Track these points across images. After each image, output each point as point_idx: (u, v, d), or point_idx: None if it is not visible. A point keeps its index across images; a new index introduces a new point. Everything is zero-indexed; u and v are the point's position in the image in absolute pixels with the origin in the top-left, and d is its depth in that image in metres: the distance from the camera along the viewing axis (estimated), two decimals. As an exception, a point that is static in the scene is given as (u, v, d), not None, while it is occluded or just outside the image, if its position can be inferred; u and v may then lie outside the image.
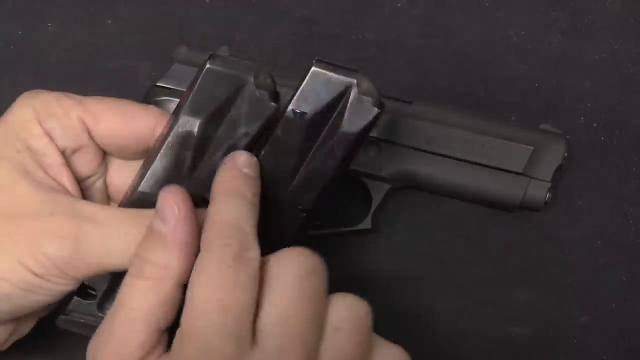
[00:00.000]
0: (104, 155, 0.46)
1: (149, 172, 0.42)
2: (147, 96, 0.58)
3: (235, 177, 0.40)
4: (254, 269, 0.37)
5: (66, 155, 0.44)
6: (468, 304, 0.59)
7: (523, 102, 0.63)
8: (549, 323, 0.58)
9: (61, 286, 0.41)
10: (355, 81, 0.41)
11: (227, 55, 0.42)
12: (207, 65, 0.40)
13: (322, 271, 0.40)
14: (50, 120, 0.43)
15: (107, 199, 0.48)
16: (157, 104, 0.58)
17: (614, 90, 0.63)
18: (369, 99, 0.41)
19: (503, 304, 0.59)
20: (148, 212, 0.40)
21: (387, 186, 0.58)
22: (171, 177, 0.41)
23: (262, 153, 0.42)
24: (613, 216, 0.60)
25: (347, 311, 0.39)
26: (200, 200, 0.41)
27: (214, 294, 0.36)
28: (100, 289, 0.44)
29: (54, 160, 0.43)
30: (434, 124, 0.58)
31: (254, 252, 0.38)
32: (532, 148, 0.57)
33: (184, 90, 0.58)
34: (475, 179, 0.57)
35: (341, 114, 0.41)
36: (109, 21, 0.65)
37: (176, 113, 0.42)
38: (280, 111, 0.42)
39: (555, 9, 0.65)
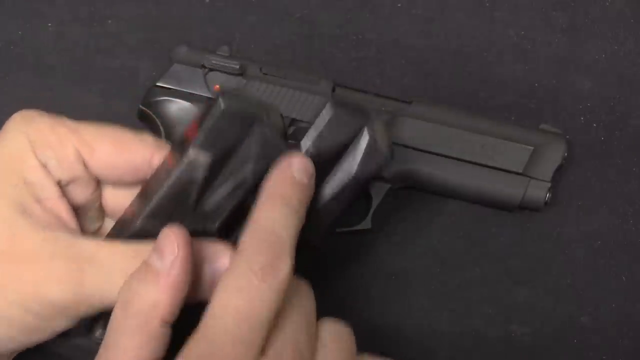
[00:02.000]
0: (99, 181, 0.46)
1: (153, 203, 0.41)
2: (147, 96, 0.58)
3: (285, 181, 0.40)
4: (282, 282, 0.37)
5: (61, 186, 0.43)
6: (468, 304, 0.59)
7: (523, 102, 0.63)
8: (549, 323, 0.58)
9: (63, 324, 0.41)
10: (368, 125, 0.41)
11: (237, 92, 0.41)
12: (221, 106, 0.40)
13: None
14: (46, 150, 0.42)
15: (103, 217, 0.47)
16: (157, 104, 0.58)
17: (614, 90, 0.63)
18: (381, 143, 0.41)
19: (503, 304, 0.59)
20: (148, 248, 0.39)
21: (387, 186, 0.58)
22: (175, 209, 0.41)
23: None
24: (613, 216, 0.60)
25: (334, 332, 0.41)
26: (201, 232, 0.41)
27: (233, 300, 0.36)
28: None
29: (51, 192, 0.42)
30: (433, 124, 0.58)
31: (286, 265, 0.37)
32: (532, 148, 0.57)
33: (184, 90, 0.58)
34: (475, 179, 0.57)
35: (352, 156, 0.41)
36: (109, 21, 0.65)
37: (179, 145, 0.41)
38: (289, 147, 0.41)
39: (555, 9, 0.65)
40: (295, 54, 0.64)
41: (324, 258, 0.59)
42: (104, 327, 0.41)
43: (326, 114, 0.41)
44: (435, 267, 0.59)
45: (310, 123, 0.57)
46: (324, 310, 0.59)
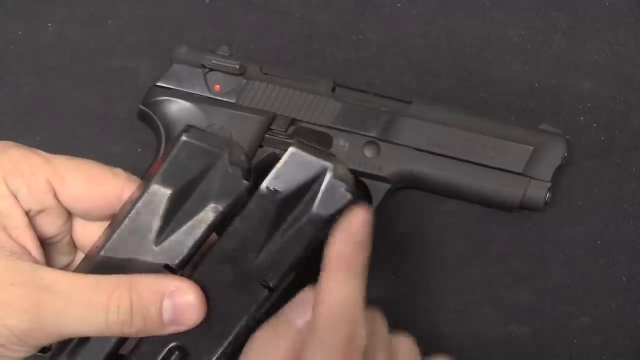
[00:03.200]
0: (70, 214, 0.46)
1: (114, 235, 0.41)
2: (147, 96, 0.58)
3: (350, 249, 0.40)
4: (359, 349, 0.39)
5: (30, 216, 0.43)
6: (468, 304, 0.59)
7: (523, 102, 0.63)
8: (549, 323, 0.58)
9: (21, 353, 0.41)
10: (331, 166, 0.41)
11: (203, 130, 0.42)
12: (183, 138, 0.40)
13: None
14: (17, 179, 0.42)
15: (74, 251, 0.47)
16: (157, 103, 0.58)
17: (614, 90, 0.63)
18: (343, 184, 0.41)
19: (503, 304, 0.59)
20: (110, 278, 0.40)
21: (387, 186, 0.58)
22: (136, 243, 0.41)
23: (233, 223, 0.41)
24: (613, 216, 0.60)
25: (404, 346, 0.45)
26: (162, 267, 0.41)
27: None
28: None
29: (18, 221, 0.42)
30: (433, 124, 0.58)
31: (363, 336, 0.39)
32: (532, 148, 0.57)
33: (184, 90, 0.58)
34: (475, 179, 0.57)
35: (314, 196, 0.41)
36: (109, 21, 0.65)
37: (147, 179, 0.42)
38: (251, 187, 0.42)
39: (555, 9, 0.65)
40: (295, 54, 0.64)
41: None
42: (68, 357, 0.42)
43: (288, 154, 0.41)
44: (435, 267, 0.59)
45: (311, 123, 0.58)
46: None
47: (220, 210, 0.41)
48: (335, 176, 0.41)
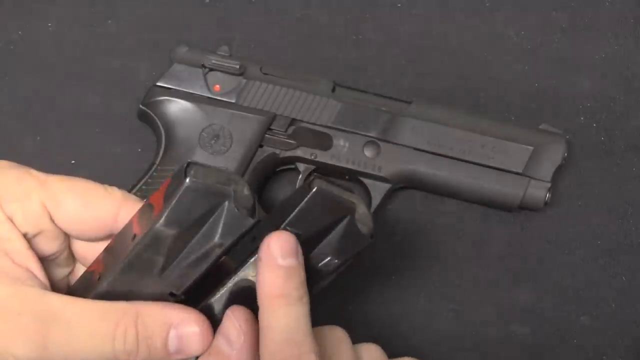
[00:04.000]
0: (66, 234, 0.45)
1: (119, 270, 0.41)
2: (147, 96, 0.58)
3: (276, 276, 0.39)
4: None
5: (28, 239, 0.43)
6: (468, 304, 0.59)
7: (523, 102, 0.63)
8: (549, 323, 0.58)
9: None
10: (354, 209, 0.40)
11: (205, 166, 0.41)
12: (187, 183, 0.39)
13: None
14: (12, 203, 0.42)
15: (73, 261, 0.47)
16: (157, 103, 0.58)
17: (614, 90, 0.63)
18: (363, 227, 0.41)
19: (503, 304, 0.59)
20: (117, 307, 0.40)
21: (387, 186, 0.58)
22: (140, 275, 0.41)
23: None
24: (613, 216, 0.60)
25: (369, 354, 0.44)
26: (168, 296, 0.41)
27: None
28: None
29: (18, 245, 0.42)
30: (434, 124, 0.58)
31: (313, 354, 0.39)
32: (532, 148, 0.57)
33: (184, 90, 0.58)
34: (475, 179, 0.57)
35: (332, 236, 0.41)
36: (109, 21, 0.65)
37: (145, 210, 0.41)
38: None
39: (555, 9, 0.65)
40: (295, 54, 0.64)
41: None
42: None
43: (309, 195, 0.40)
44: (435, 267, 0.59)
45: (311, 123, 0.58)
46: (324, 310, 0.59)
47: (225, 245, 0.41)
48: (354, 222, 0.40)
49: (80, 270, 0.46)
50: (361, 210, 0.40)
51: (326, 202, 0.39)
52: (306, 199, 0.39)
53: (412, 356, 0.57)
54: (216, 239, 0.40)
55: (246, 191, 0.41)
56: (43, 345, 0.39)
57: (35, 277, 0.42)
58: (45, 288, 0.42)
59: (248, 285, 0.41)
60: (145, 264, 0.41)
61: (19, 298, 0.40)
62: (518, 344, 0.58)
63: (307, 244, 0.40)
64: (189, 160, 0.40)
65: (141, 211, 0.42)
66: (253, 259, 0.41)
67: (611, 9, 0.65)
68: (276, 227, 0.40)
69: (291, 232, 0.39)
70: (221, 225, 0.40)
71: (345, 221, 0.40)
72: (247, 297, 0.41)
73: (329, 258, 0.41)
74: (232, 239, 0.40)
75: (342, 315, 0.59)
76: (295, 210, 0.39)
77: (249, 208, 0.40)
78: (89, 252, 0.45)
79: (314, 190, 0.39)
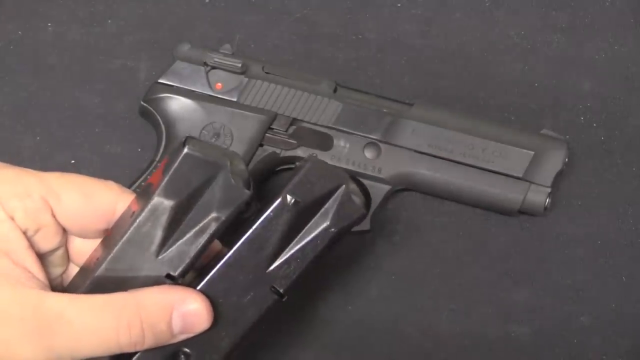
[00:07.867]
0: (65, 230, 0.45)
1: (117, 247, 0.41)
2: (149, 93, 0.58)
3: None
4: None
5: (28, 236, 0.43)
6: (468, 304, 0.59)
7: (523, 102, 0.63)
8: (549, 323, 0.58)
9: None
10: (347, 181, 0.43)
11: (203, 141, 0.43)
12: (185, 150, 0.41)
13: None
14: (12, 201, 0.42)
15: (67, 261, 0.47)
16: (159, 100, 0.58)
17: (614, 90, 0.63)
18: (358, 199, 0.43)
19: (503, 304, 0.59)
20: (116, 299, 0.40)
21: (386, 188, 0.58)
22: (138, 255, 0.41)
23: (250, 231, 0.42)
24: (613, 216, 0.60)
25: None
26: (165, 278, 0.42)
27: None
28: None
29: (18, 244, 0.42)
30: (435, 126, 0.58)
31: None
32: (533, 153, 0.57)
33: (185, 87, 0.58)
34: (475, 182, 0.57)
35: (329, 209, 0.43)
36: (109, 21, 0.65)
37: (148, 190, 0.42)
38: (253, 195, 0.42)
39: (555, 9, 0.65)
40: (295, 54, 0.64)
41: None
42: None
43: (308, 165, 0.43)
44: (435, 267, 0.59)
45: (312, 123, 0.58)
46: (324, 310, 0.59)
47: (222, 219, 0.41)
48: (349, 191, 0.42)
49: (73, 270, 0.46)
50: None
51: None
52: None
53: (413, 356, 0.58)
54: (213, 211, 0.41)
55: (241, 165, 0.42)
56: (49, 347, 0.39)
57: (35, 277, 0.42)
58: (44, 288, 0.42)
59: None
60: (144, 239, 0.41)
61: (20, 302, 0.40)
62: (518, 344, 0.58)
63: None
64: (187, 135, 0.41)
65: (140, 193, 0.43)
66: None
67: (611, 9, 0.65)
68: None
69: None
70: (218, 196, 0.41)
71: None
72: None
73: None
74: (229, 212, 0.41)
75: (342, 315, 0.59)
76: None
77: (244, 179, 0.41)
78: (85, 251, 0.45)
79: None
